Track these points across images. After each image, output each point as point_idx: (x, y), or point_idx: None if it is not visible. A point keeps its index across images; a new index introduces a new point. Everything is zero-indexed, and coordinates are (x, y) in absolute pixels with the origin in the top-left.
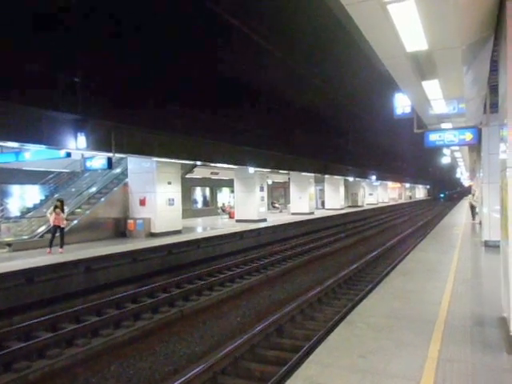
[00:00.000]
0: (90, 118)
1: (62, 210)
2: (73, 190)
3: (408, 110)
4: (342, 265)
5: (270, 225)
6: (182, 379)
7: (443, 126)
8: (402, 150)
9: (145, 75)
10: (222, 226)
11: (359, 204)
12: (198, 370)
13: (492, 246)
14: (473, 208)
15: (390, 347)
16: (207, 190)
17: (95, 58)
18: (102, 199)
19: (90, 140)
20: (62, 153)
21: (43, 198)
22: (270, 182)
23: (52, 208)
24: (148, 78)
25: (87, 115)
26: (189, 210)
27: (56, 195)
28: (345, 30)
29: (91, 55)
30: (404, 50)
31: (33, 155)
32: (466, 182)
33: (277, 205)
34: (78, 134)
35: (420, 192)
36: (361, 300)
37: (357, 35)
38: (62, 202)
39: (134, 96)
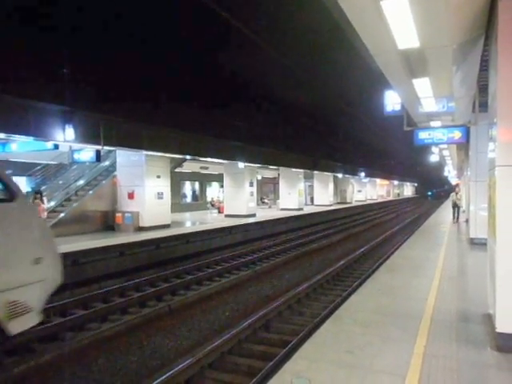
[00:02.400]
0: (79, 109)
1: (42, 201)
2: (60, 182)
3: (398, 107)
4: (330, 261)
5: (259, 220)
6: (170, 373)
7: (432, 124)
8: (391, 148)
9: (134, 68)
10: (211, 220)
11: (348, 201)
12: (184, 364)
13: (478, 244)
14: (456, 207)
15: (377, 343)
16: (197, 185)
17: (84, 50)
18: (90, 192)
19: (78, 132)
20: (50, 144)
21: (30, 189)
22: (259, 177)
23: (31, 200)
24: (137, 71)
25: (75, 107)
26: (178, 205)
27: (43, 187)
28: (338, 26)
29: (80, 46)
30: (396, 47)
31: (20, 146)
32: (453, 181)
33: (266, 200)
34: (66, 126)
35: (408, 189)
36: (348, 296)
37: (349, 32)
38: (40, 193)
39: (124, 88)
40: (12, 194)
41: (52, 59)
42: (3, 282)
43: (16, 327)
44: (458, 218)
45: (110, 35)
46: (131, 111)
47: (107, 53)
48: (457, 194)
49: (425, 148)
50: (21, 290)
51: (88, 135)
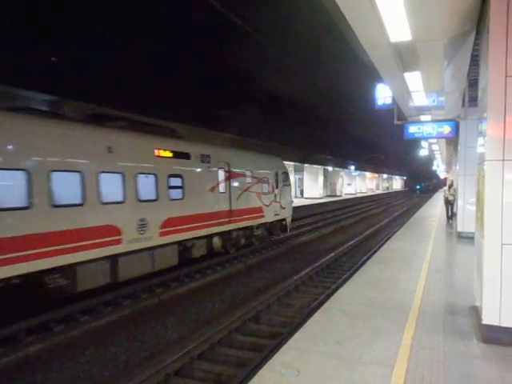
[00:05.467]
0: (68, 99)
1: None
2: None
3: (389, 101)
4: (319, 253)
5: None
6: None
7: (422, 118)
8: (381, 141)
9: (125, 60)
10: None
11: (337, 194)
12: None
13: (465, 238)
14: (449, 204)
15: (366, 334)
16: None
17: (75, 38)
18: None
19: None
20: None
21: None
22: None
23: None
24: (128, 62)
25: (64, 96)
26: None
27: None
28: (330, 19)
29: (70, 34)
30: (388, 40)
31: None
32: (442, 175)
33: None
34: None
35: (397, 183)
36: (338, 288)
37: (342, 25)
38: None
39: (114, 79)
40: (289, 182)
41: (41, 45)
42: (289, 213)
43: (287, 231)
44: (451, 216)
45: (101, 26)
46: (122, 102)
47: (99, 43)
48: (450, 188)
49: (414, 142)
50: (290, 217)
51: None
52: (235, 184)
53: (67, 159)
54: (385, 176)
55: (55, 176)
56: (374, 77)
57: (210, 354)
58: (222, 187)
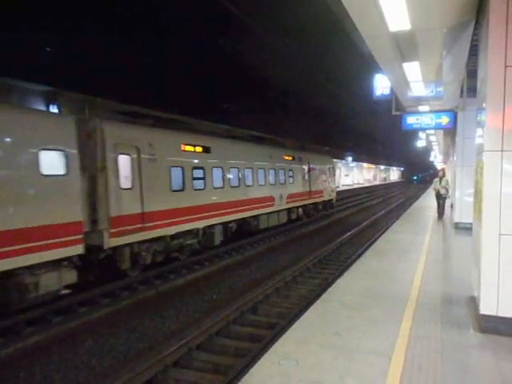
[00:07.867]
0: (63, 89)
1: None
2: None
3: (387, 91)
4: (316, 245)
5: None
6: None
7: (421, 108)
8: (378, 132)
9: (120, 51)
10: None
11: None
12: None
13: (462, 228)
14: (440, 199)
15: (364, 325)
16: None
17: (70, 29)
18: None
19: (62, 112)
20: None
21: None
22: None
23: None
24: (123, 53)
25: (60, 87)
26: None
27: None
28: (329, 8)
29: (66, 26)
30: (387, 29)
31: None
32: (439, 166)
33: None
34: (50, 106)
35: (394, 174)
36: (335, 279)
37: (341, 15)
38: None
39: (109, 70)
40: (335, 173)
41: (37, 37)
42: (334, 195)
43: (333, 208)
44: (443, 213)
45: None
46: (117, 93)
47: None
48: (441, 179)
49: (412, 133)
50: (334, 198)
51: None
52: (312, 174)
53: (258, 163)
54: (382, 167)
55: (259, 172)
56: (372, 68)
57: (209, 345)
58: (306, 176)
